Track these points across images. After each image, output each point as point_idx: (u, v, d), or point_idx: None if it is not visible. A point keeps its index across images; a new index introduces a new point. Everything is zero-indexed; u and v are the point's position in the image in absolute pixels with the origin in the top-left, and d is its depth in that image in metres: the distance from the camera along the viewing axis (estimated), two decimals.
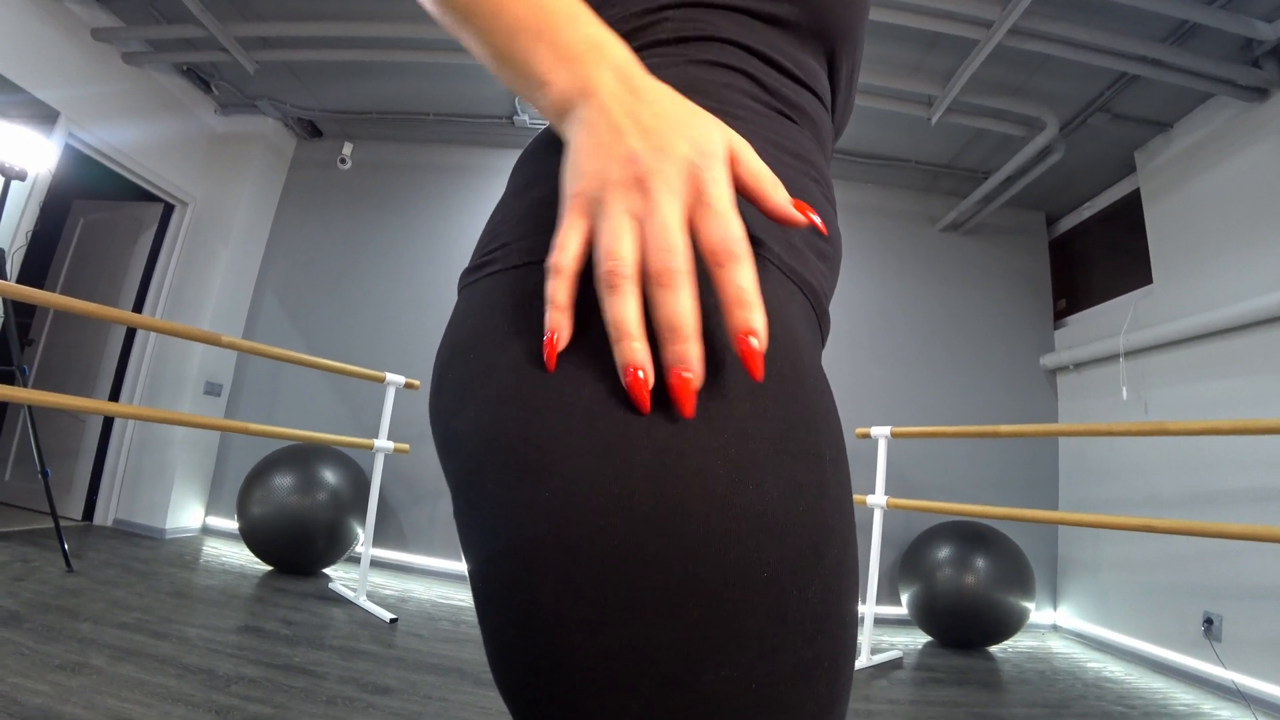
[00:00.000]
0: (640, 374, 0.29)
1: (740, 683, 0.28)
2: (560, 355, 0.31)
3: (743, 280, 0.29)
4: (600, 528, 0.29)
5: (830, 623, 0.31)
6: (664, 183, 0.29)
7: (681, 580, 0.28)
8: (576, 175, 0.31)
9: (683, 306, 0.28)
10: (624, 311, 0.29)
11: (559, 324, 0.30)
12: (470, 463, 0.34)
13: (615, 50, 0.34)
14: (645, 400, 0.29)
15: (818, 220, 0.33)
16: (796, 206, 0.32)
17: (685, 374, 0.29)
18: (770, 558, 0.29)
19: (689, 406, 0.29)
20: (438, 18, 0.37)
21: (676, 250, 0.29)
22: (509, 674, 0.32)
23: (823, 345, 0.45)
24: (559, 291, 0.30)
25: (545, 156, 0.41)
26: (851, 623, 0.33)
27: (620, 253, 0.29)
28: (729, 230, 0.29)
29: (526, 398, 0.32)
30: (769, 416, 0.31)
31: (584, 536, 0.29)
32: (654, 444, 0.29)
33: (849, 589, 0.33)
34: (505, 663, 0.32)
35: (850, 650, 0.33)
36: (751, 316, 0.28)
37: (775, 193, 0.32)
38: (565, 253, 0.30)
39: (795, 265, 0.39)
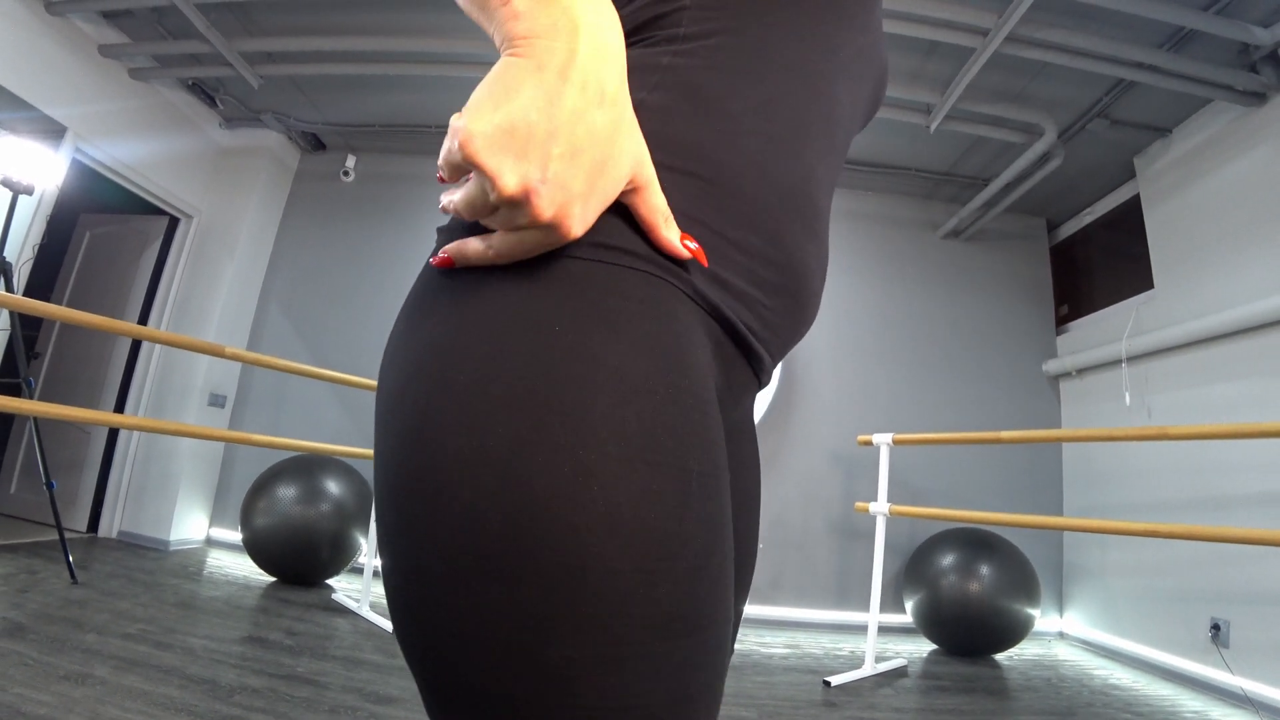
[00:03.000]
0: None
1: (583, 665, 0.31)
2: (453, 335, 0.35)
3: None
4: (454, 497, 0.32)
5: (683, 624, 0.33)
6: (543, 206, 0.31)
7: (518, 556, 0.31)
8: (510, 118, 0.30)
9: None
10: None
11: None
12: (380, 417, 0.38)
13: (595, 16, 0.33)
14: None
15: (694, 254, 0.38)
16: (684, 241, 0.37)
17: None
18: (610, 554, 0.31)
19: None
20: None
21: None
22: (395, 613, 0.36)
23: (758, 378, 0.47)
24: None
25: None
26: (711, 625, 0.35)
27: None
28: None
29: (423, 370, 0.35)
30: (625, 426, 0.33)
31: (442, 503, 0.33)
32: (510, 431, 0.32)
33: (709, 595, 0.35)
34: (391, 601, 0.36)
35: (710, 652, 0.35)
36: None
37: (665, 230, 0.36)
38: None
39: (713, 297, 0.40)
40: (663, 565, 0.33)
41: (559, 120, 0.30)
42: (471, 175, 0.31)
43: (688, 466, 0.35)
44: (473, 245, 0.36)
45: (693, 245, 0.37)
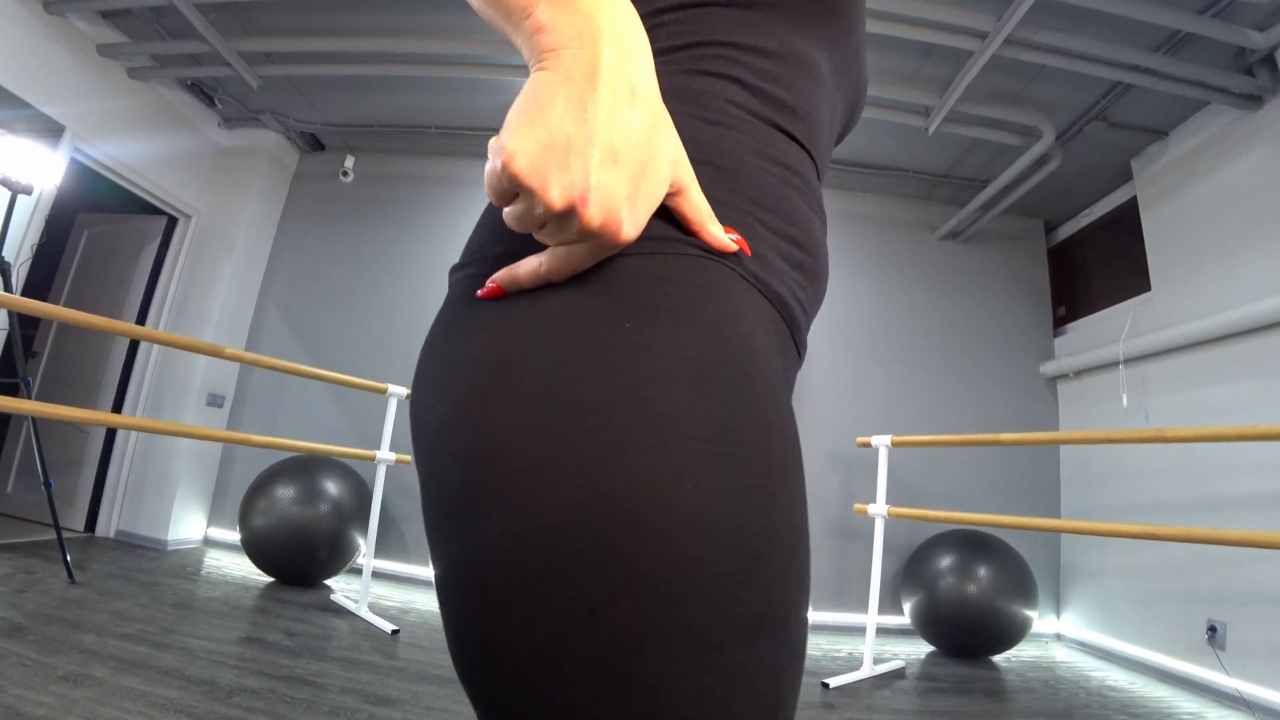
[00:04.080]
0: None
1: (677, 676, 0.30)
2: (509, 348, 0.34)
3: None
4: (538, 516, 0.31)
5: (773, 624, 0.32)
6: (591, 214, 0.31)
7: (611, 571, 0.30)
8: (548, 132, 0.30)
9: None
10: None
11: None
12: (432, 449, 0.36)
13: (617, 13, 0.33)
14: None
15: (739, 244, 0.38)
16: (730, 236, 0.37)
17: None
18: (707, 556, 0.30)
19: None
20: None
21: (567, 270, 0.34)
22: (464, 659, 0.34)
23: (799, 355, 0.46)
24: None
25: None
26: (798, 627, 0.34)
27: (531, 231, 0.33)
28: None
29: (481, 390, 0.34)
30: (709, 420, 0.32)
31: (525, 524, 0.31)
32: (593, 436, 0.31)
33: (795, 593, 0.34)
34: (460, 648, 0.34)
35: (795, 654, 0.34)
36: None
37: (710, 226, 0.37)
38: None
39: (762, 274, 0.40)
40: (754, 564, 0.32)
41: (594, 127, 0.30)
42: (519, 194, 0.31)
43: (769, 457, 0.34)
44: (525, 268, 0.35)
45: (735, 236, 0.38)
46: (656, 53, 0.44)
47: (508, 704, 0.32)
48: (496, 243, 0.39)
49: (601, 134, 0.30)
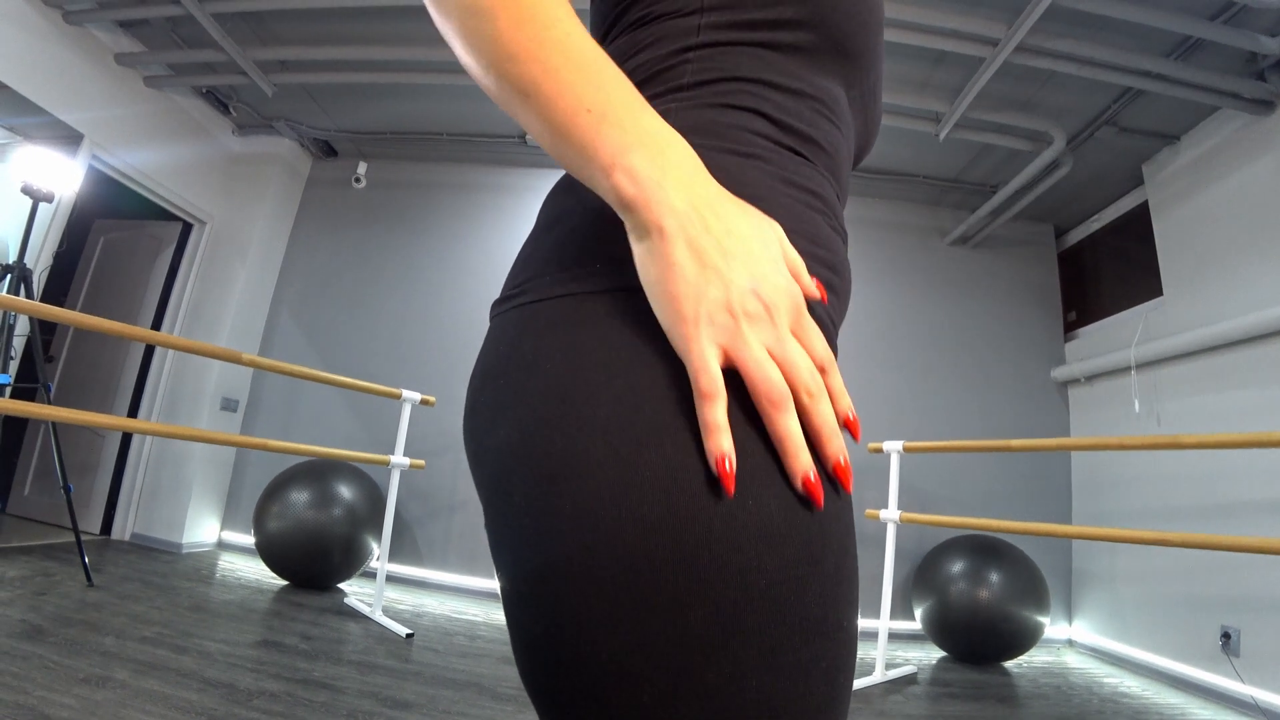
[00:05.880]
0: (812, 477, 0.34)
1: (741, 678, 0.32)
2: (578, 380, 0.36)
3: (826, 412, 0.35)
4: (615, 534, 0.32)
5: (827, 625, 0.34)
6: (781, 316, 0.35)
7: (687, 583, 0.32)
8: (687, 300, 0.34)
9: (829, 413, 0.35)
10: (792, 427, 0.34)
11: (725, 448, 0.33)
12: (500, 476, 0.37)
13: (678, 151, 0.36)
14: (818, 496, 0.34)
15: (819, 293, 0.39)
16: (816, 286, 0.39)
17: (846, 461, 0.36)
18: (768, 564, 0.32)
19: (850, 484, 0.36)
20: (494, 93, 0.38)
21: (814, 374, 0.35)
22: (535, 669, 0.36)
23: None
24: (717, 414, 0.33)
25: (573, 193, 0.45)
26: (849, 627, 0.36)
27: (776, 379, 0.34)
28: (820, 359, 0.36)
29: (551, 418, 0.36)
30: (764, 438, 0.34)
31: (601, 542, 0.33)
32: (663, 459, 0.33)
33: (846, 595, 0.36)
34: (531, 659, 0.36)
35: (849, 654, 0.36)
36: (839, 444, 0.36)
37: (804, 276, 0.38)
38: (714, 379, 0.33)
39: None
40: (808, 569, 0.34)
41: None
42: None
43: (821, 468, 0.36)
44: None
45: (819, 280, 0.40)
46: (681, 88, 0.46)
47: (578, 711, 0.34)
48: (539, 270, 0.41)
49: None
